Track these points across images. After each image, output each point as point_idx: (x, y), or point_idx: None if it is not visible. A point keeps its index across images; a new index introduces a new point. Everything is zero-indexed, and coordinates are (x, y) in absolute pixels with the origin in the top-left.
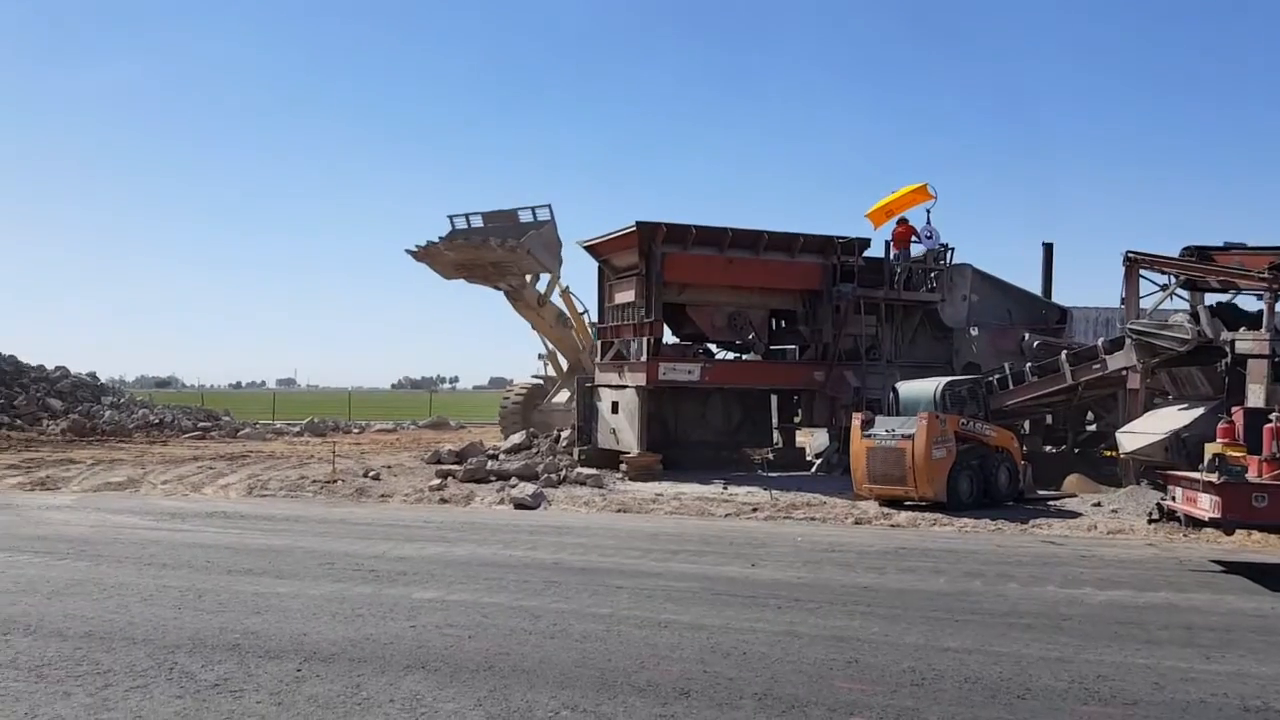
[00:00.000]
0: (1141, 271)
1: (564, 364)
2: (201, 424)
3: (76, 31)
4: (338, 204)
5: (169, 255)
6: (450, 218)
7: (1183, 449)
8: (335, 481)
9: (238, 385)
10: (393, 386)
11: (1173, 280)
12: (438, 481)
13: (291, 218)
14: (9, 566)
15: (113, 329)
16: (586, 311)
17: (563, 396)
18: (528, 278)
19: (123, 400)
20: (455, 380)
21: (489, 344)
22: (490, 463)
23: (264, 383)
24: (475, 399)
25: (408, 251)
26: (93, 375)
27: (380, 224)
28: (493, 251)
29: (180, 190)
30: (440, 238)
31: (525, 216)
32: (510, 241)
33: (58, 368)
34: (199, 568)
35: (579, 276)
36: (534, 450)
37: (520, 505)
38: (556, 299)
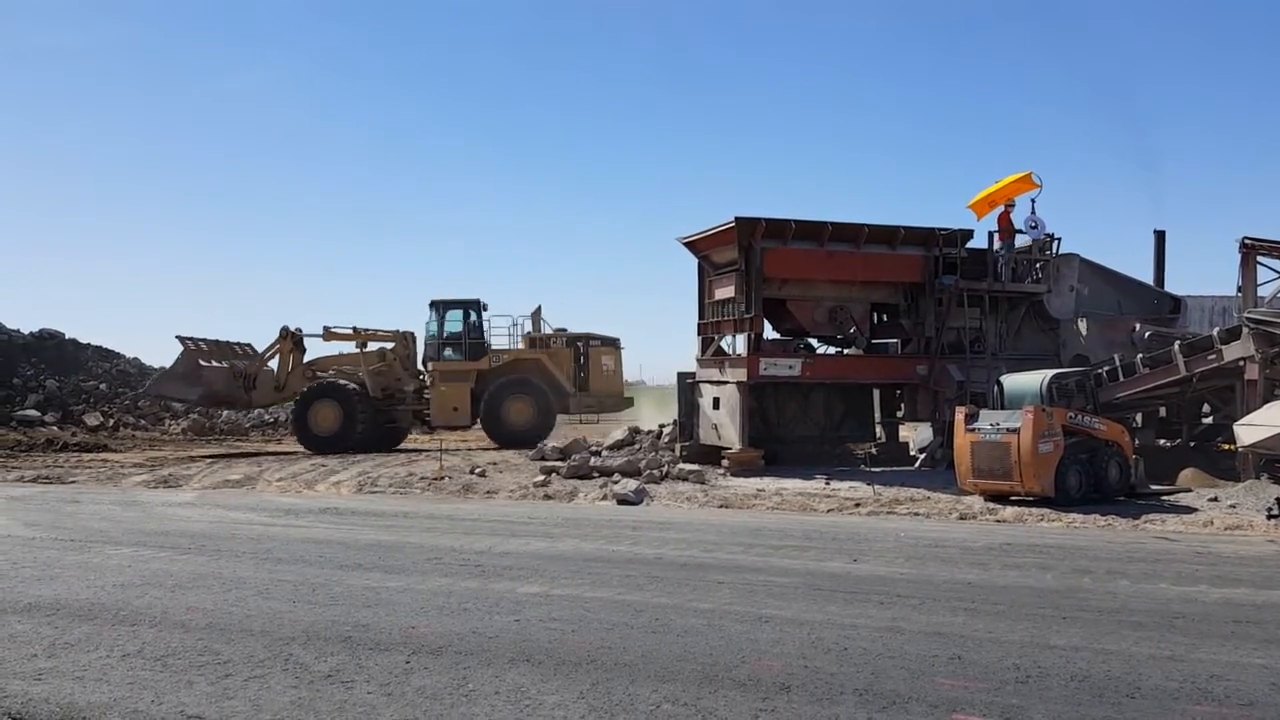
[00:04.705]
0: (1259, 258)
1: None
2: None
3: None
4: (457, 211)
5: (275, 262)
6: None
7: None
8: (442, 478)
9: None
10: None
11: None
12: (542, 478)
13: (407, 224)
14: (136, 561)
15: (228, 331)
16: (354, 327)
17: None
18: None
19: None
20: None
21: None
22: (593, 459)
23: None
24: None
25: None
26: None
27: (495, 228)
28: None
29: (303, 197)
30: None
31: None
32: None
33: None
34: (312, 563)
35: (677, 271)
36: (636, 446)
37: (623, 501)
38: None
